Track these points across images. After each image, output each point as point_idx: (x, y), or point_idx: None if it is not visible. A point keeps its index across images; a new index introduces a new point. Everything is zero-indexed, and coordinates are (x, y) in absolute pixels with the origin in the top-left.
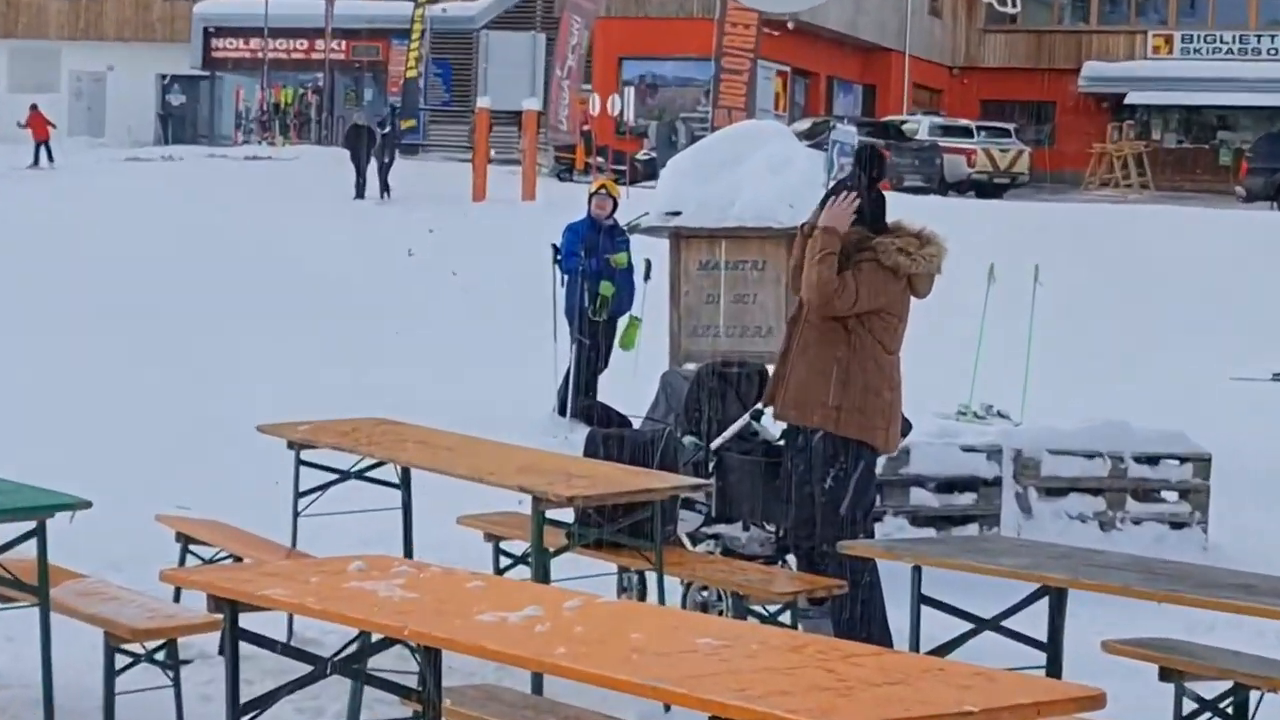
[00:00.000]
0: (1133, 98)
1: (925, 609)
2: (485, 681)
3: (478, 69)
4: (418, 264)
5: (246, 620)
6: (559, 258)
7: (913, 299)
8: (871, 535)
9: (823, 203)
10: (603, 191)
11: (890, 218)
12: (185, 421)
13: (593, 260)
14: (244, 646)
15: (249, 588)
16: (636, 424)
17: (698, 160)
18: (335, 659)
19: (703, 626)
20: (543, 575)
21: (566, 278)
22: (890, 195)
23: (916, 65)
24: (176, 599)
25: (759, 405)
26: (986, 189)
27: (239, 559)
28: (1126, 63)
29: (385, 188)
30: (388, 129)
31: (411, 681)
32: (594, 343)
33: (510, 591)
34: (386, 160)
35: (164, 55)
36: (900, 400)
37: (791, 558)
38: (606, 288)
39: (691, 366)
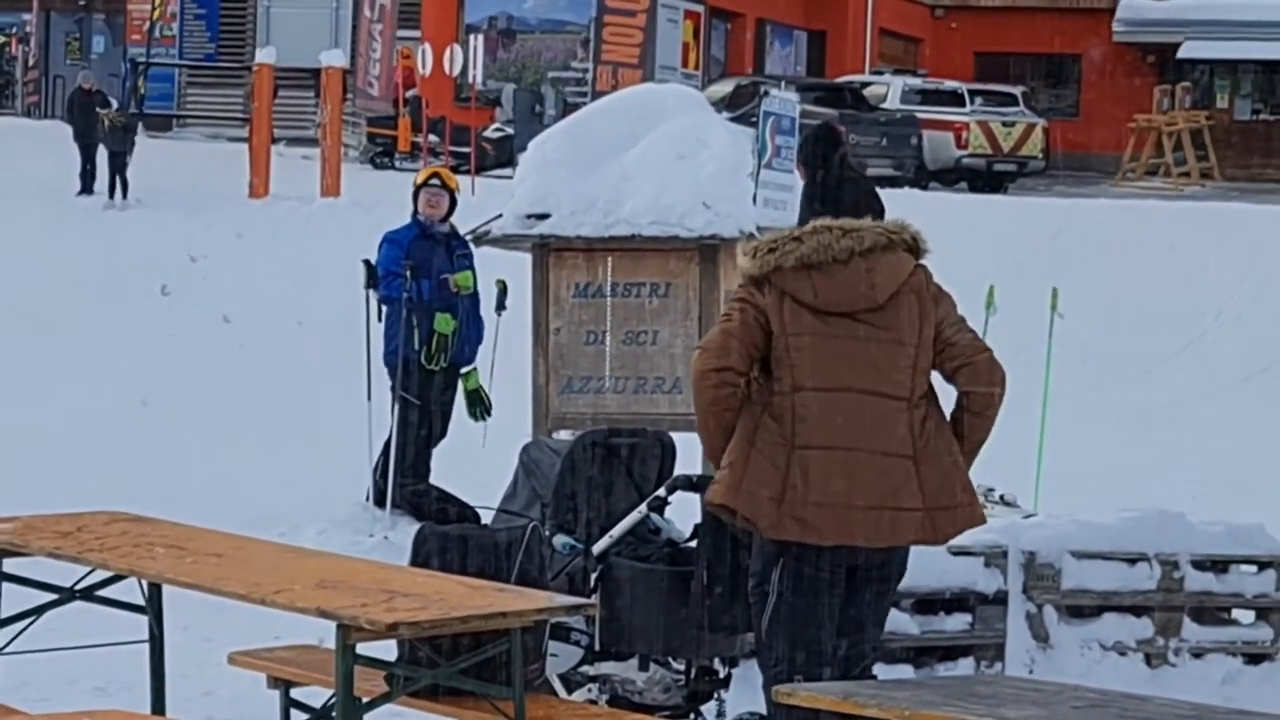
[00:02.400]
0: (1189, 49)
1: None
2: None
3: (256, 7)
4: (175, 304)
5: None
6: (375, 280)
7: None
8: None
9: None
10: (435, 183)
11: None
12: None
13: (424, 283)
14: None
15: None
16: (486, 518)
17: (573, 141)
18: None
19: None
20: None
21: (386, 309)
22: None
23: (885, 1)
24: None
25: (661, 491)
26: (983, 179)
27: None
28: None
29: (121, 185)
30: (123, 107)
31: None
32: (427, 403)
33: None
34: (123, 147)
35: None
36: (844, 472)
37: (710, 708)
38: (445, 323)
39: (565, 436)
